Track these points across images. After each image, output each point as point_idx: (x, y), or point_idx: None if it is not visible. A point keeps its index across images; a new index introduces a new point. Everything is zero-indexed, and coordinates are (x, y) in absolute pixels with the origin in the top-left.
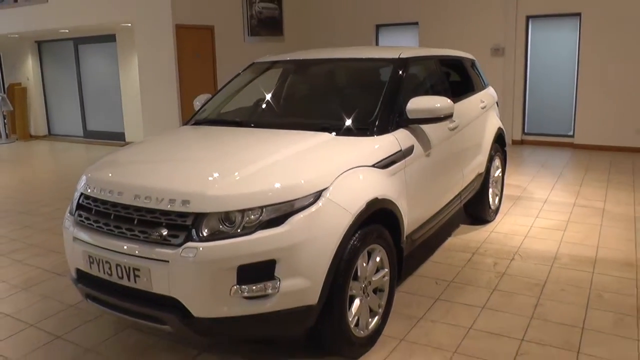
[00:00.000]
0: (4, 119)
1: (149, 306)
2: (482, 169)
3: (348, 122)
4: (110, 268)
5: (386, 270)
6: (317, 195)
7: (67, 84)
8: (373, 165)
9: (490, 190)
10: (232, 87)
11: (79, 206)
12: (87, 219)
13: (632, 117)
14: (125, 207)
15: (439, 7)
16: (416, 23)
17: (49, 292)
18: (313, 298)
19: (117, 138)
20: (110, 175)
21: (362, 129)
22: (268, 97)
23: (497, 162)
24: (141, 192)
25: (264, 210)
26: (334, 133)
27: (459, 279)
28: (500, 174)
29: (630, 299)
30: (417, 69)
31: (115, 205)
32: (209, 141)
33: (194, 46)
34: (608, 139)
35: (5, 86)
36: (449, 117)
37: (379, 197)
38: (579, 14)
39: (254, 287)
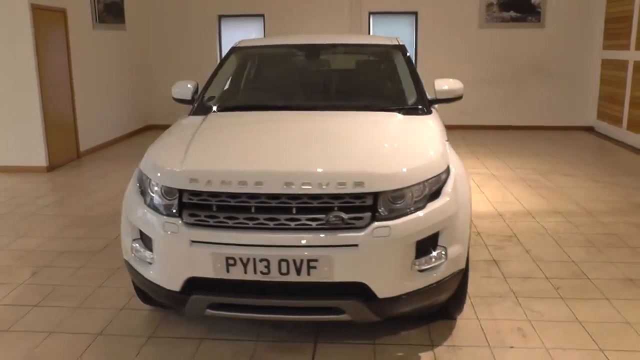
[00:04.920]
0: None
1: (324, 297)
2: None
3: (404, 102)
4: (268, 266)
5: None
6: (448, 168)
7: None
8: (447, 140)
9: None
10: (229, 72)
11: (184, 205)
12: (212, 217)
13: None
14: (274, 196)
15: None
16: (262, 15)
17: None
18: (463, 262)
19: None
20: (229, 165)
21: (417, 109)
22: (292, 81)
23: None
24: (293, 178)
25: (425, 185)
26: (399, 113)
27: None
28: None
29: (576, 235)
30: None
31: (255, 196)
32: (294, 124)
33: (48, 30)
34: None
35: None
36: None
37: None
38: (415, 13)
39: (428, 259)
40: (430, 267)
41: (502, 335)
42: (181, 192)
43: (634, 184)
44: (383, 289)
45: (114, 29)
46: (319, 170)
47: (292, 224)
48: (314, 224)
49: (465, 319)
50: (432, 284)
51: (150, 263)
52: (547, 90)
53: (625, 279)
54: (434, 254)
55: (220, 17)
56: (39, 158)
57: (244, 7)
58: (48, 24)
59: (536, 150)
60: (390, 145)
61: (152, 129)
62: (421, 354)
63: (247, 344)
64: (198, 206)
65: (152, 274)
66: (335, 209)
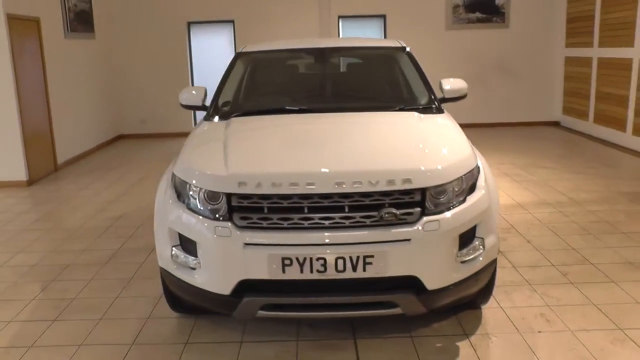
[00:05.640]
0: None
1: (379, 292)
2: None
3: (418, 102)
4: (324, 264)
5: None
6: (476, 162)
7: None
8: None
9: None
10: (238, 77)
11: (233, 209)
12: (265, 219)
13: None
14: (326, 196)
15: (256, 5)
16: (232, 21)
17: None
18: (496, 251)
19: None
20: (278, 167)
21: (431, 108)
22: (305, 84)
23: None
24: (344, 178)
25: (463, 179)
26: (415, 112)
27: None
28: None
29: (570, 224)
30: None
31: (307, 197)
32: (324, 125)
33: (23, 40)
34: None
35: None
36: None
37: None
38: (383, 16)
39: (469, 250)
40: (471, 258)
41: (528, 322)
42: (229, 196)
43: (613, 174)
44: (432, 281)
45: (84, 37)
46: (368, 169)
47: (347, 222)
48: (367, 221)
49: (490, 308)
50: (473, 274)
51: (194, 268)
52: (514, 88)
53: (625, 262)
54: (474, 245)
55: (190, 23)
56: (19, 172)
57: (213, 14)
58: (23, 34)
59: (510, 146)
60: (425, 143)
61: (125, 138)
62: (459, 343)
63: (289, 344)
64: (249, 209)
65: (198, 279)
66: (386, 205)
